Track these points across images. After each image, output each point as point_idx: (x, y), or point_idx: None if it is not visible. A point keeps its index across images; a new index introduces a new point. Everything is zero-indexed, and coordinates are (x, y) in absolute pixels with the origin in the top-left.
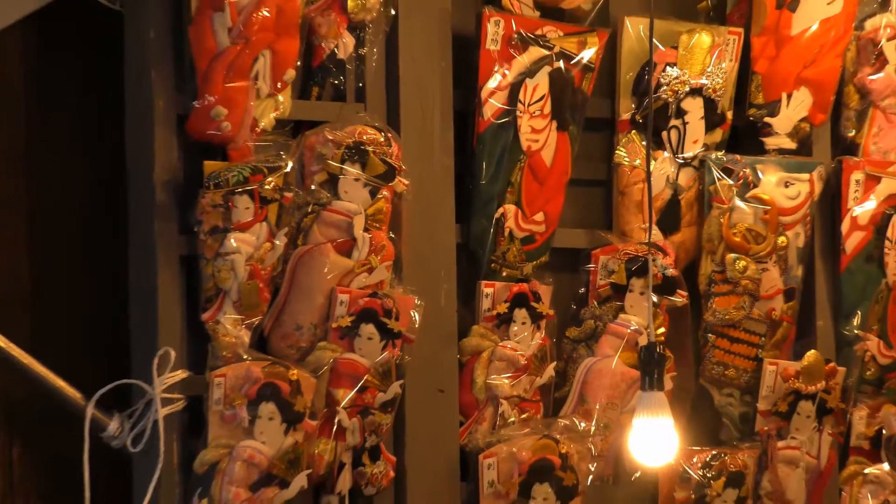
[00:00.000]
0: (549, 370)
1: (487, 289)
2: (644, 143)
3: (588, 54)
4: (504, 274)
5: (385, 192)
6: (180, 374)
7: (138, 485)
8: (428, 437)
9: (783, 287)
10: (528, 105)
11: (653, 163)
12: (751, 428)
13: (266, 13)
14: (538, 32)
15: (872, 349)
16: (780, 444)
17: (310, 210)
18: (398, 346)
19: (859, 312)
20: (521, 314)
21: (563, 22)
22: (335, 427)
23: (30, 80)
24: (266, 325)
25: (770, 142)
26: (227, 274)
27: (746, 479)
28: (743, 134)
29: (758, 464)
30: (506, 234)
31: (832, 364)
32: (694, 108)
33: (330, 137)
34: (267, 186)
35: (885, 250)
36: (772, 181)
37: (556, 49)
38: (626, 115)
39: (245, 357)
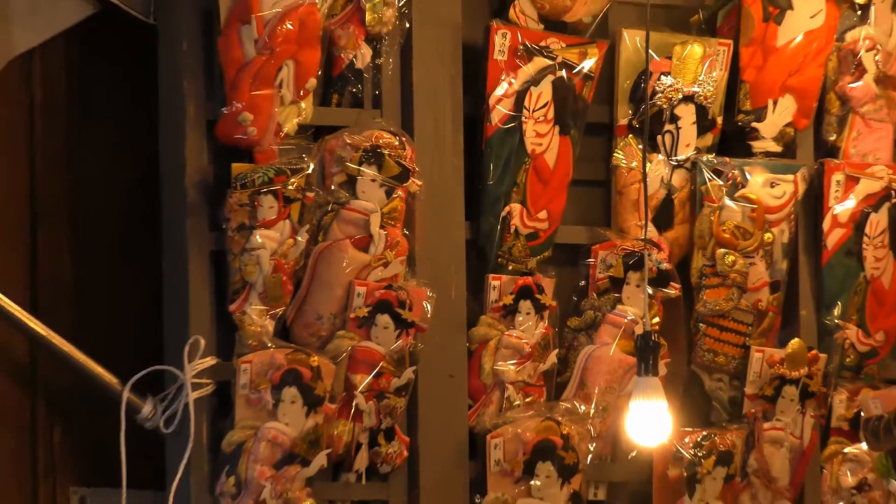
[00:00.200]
0: (552, 357)
1: (494, 281)
2: (640, 146)
3: (588, 64)
4: (510, 268)
5: (399, 192)
6: (209, 361)
7: (170, 463)
8: (439, 419)
9: (769, 280)
10: (533, 111)
11: (648, 165)
12: (739, 410)
13: (289, 26)
14: (542, 44)
15: (852, 337)
16: (766, 425)
17: (330, 209)
18: (411, 334)
19: (839, 303)
20: (525, 305)
21: (565, 34)
22: (353, 410)
23: (71, 89)
24: (289, 316)
25: (757, 145)
26: (252, 268)
27: (735, 458)
28: (732, 138)
29: (745, 443)
30: (512, 230)
31: (814, 351)
32: (686, 114)
33: (348, 141)
34: (290, 187)
35: (864, 246)
36: (758, 182)
37: (559, 59)
38: (623, 121)
39: (269, 345)
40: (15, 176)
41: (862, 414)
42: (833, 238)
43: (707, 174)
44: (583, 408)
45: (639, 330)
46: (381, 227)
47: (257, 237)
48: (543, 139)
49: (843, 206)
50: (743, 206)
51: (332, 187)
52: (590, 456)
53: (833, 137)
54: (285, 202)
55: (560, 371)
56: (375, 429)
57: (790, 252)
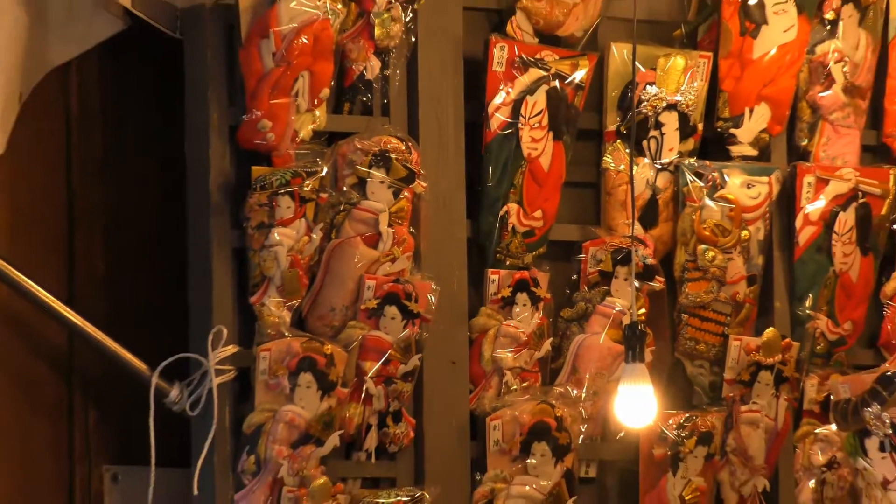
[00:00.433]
0: (546, 345)
1: (493, 276)
2: (627, 150)
3: (580, 75)
4: (508, 263)
5: (406, 193)
6: (231, 349)
7: (195, 444)
8: (443, 403)
9: (746, 274)
10: (529, 118)
11: (635, 168)
12: (718, 394)
13: (305, 40)
14: (537, 56)
15: (822, 327)
16: (744, 408)
17: (342, 208)
18: (417, 324)
19: (811, 295)
20: (522, 297)
21: (558, 47)
22: (363, 394)
23: (105, 100)
24: (304, 307)
25: (735, 150)
26: (271, 263)
27: (715, 438)
28: (712, 143)
29: (724, 425)
30: (509, 229)
31: (788, 340)
32: (670, 120)
33: (359, 146)
34: (305, 188)
35: (833, 242)
36: (736, 183)
37: (553, 70)
38: (612, 127)
39: (286, 334)
40: (53, 181)
41: (831, 397)
42: (804, 235)
43: (689, 176)
44: (575, 392)
45: (626, 320)
46: (389, 225)
47: (275, 235)
48: (538, 144)
49: (813, 206)
50: (722, 206)
51: (344, 189)
52: (581, 436)
53: (805, 142)
54: (301, 202)
55: (554, 358)
56: (384, 411)
57: (765, 248)
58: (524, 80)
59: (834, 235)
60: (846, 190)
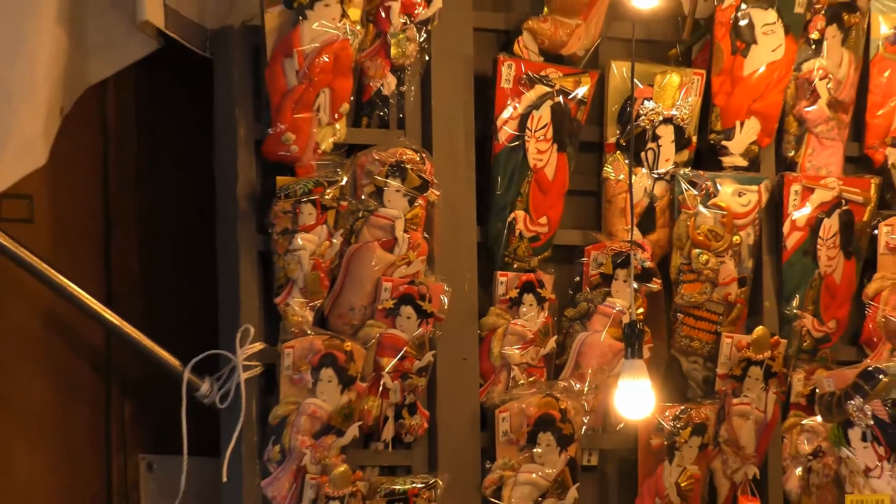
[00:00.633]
0: (551, 342)
1: (502, 278)
2: (626, 161)
3: (582, 91)
4: (515, 266)
5: (420, 201)
6: (258, 346)
7: (224, 434)
8: (454, 396)
9: (737, 276)
10: (535, 131)
11: (633, 177)
12: (711, 388)
13: (326, 59)
14: (542, 73)
15: (808, 325)
16: (735, 401)
17: (360, 215)
18: (431, 323)
19: (797, 296)
20: (528, 298)
21: (562, 65)
22: (381, 388)
23: (139, 114)
24: (326, 307)
25: (726, 160)
26: (294, 266)
27: (708, 429)
28: (705, 154)
29: (717, 416)
30: (516, 234)
31: (776, 337)
32: (666, 133)
33: (376, 157)
34: (327, 196)
35: (818, 247)
36: (728, 192)
37: (557, 87)
38: (612, 139)
39: (309, 332)
40: (91, 190)
41: (817, 391)
42: (792, 240)
43: (684, 185)
44: (578, 386)
45: (626, 319)
46: (405, 231)
47: (298, 240)
48: (543, 155)
49: (800, 213)
50: (715, 213)
51: (363, 197)
52: (584, 427)
53: (791, 153)
54: (322, 210)
55: (558, 354)
56: (400, 404)
57: (755, 252)
58: (530, 95)
59: (819, 240)
60: (830, 198)
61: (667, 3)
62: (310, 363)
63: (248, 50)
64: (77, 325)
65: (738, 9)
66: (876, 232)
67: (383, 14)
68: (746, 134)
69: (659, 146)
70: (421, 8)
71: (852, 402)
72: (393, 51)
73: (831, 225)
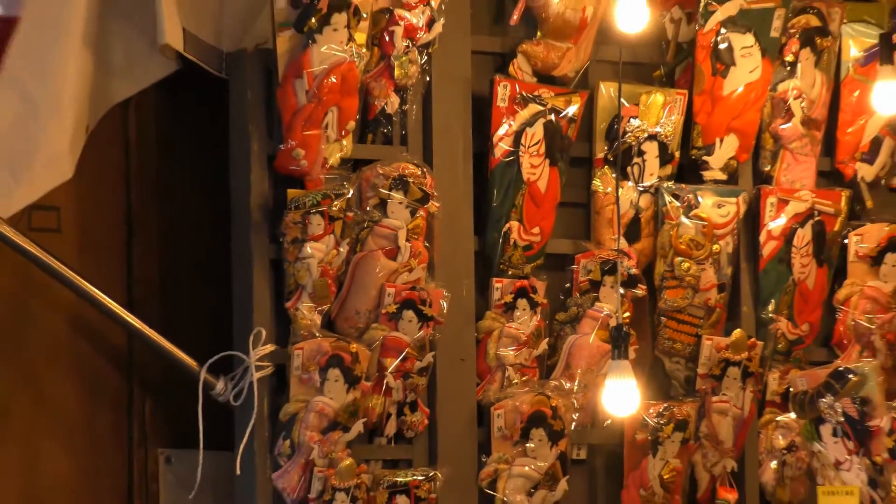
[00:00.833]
0: (543, 344)
1: (497, 284)
2: (614, 175)
3: (572, 109)
4: (510, 273)
5: (421, 213)
6: (269, 348)
7: (238, 430)
8: (453, 394)
9: (717, 282)
10: (528, 147)
11: (620, 190)
12: (692, 387)
13: (333, 80)
14: (535, 93)
15: (783, 328)
16: (715, 398)
17: (365, 225)
18: (431, 326)
19: (773, 301)
20: (522, 303)
21: (554, 85)
22: (384, 387)
23: (159, 131)
24: (333, 311)
25: (707, 174)
26: (304, 273)
27: (689, 425)
28: (687, 168)
29: (698, 413)
30: (511, 243)
31: (753, 339)
32: (651, 149)
33: (381, 171)
34: (334, 208)
35: (792, 255)
36: (708, 203)
37: (549, 106)
38: (600, 155)
39: (317, 335)
40: (114, 202)
41: (791, 390)
42: (768, 248)
43: (667, 197)
44: (568, 385)
45: (613, 322)
46: (407, 240)
47: (308, 248)
48: (536, 170)
49: (775, 223)
50: (696, 223)
51: (368, 208)
52: (573, 423)
53: (768, 168)
54: (330, 220)
55: (550, 356)
56: (402, 402)
57: (734, 260)
58: (524, 114)
59: (793, 249)
60: (804, 209)
61: (651, 28)
62: (318, 364)
63: (262, 71)
64: (101, 329)
65: (717, 33)
66: (846, 241)
67: (387, 38)
68: (725, 150)
69: (644, 161)
70: (422, 32)
71: (824, 399)
72: (396, 72)
73: (804, 235)
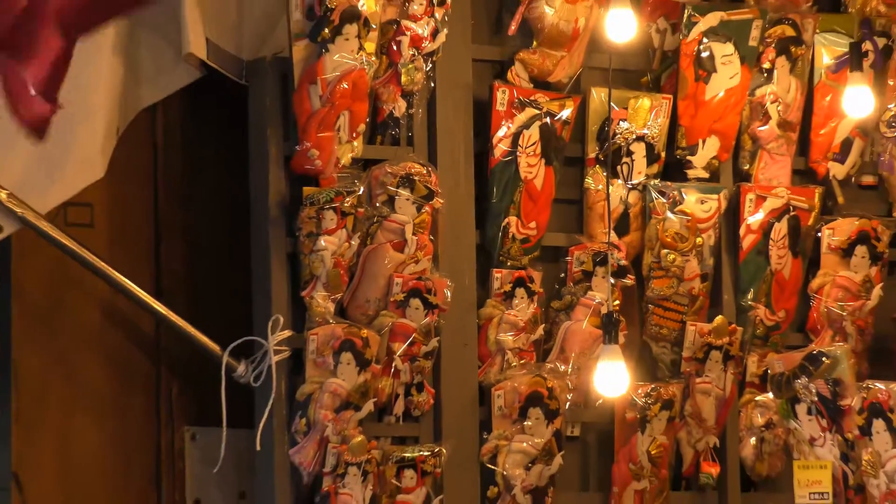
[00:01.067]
0: (540, 330)
1: (497, 274)
2: (605, 174)
3: (566, 113)
4: (508, 264)
5: (427, 208)
6: (287, 333)
7: (258, 409)
8: (456, 376)
9: (700, 272)
10: (525, 148)
11: (610, 187)
12: (677, 369)
13: (345, 85)
14: (532, 98)
15: (761, 315)
16: (698, 380)
17: (375, 220)
18: (436, 313)
19: (752, 290)
20: (520, 292)
21: (549, 91)
22: (393, 369)
23: (185, 135)
24: (345, 299)
25: (691, 173)
26: (318, 264)
27: (675, 405)
28: (672, 167)
29: (683, 394)
30: (510, 236)
31: (733, 325)
32: (639, 150)
33: (389, 170)
34: (346, 204)
35: (770, 247)
36: (692, 200)
37: (545, 109)
38: (592, 155)
39: (331, 321)
40: (143, 200)
41: (768, 371)
42: (747, 241)
43: (654, 194)
44: (562, 367)
45: (604, 310)
46: (414, 234)
47: (322, 242)
48: (533, 168)
49: (754, 218)
50: (681, 218)
51: (377, 204)
52: (568, 403)
53: (747, 167)
54: (342, 216)
55: (546, 340)
56: (409, 383)
57: (716, 252)
58: (521, 117)
59: (770, 241)
60: (780, 205)
61: (639, 37)
62: (332, 348)
63: (279, 78)
64: (131, 316)
65: (700, 42)
66: (819, 234)
67: (395, 47)
68: (708, 150)
69: (632, 161)
70: (427, 42)
71: (799, 381)
72: (403, 79)
73: (781, 228)
